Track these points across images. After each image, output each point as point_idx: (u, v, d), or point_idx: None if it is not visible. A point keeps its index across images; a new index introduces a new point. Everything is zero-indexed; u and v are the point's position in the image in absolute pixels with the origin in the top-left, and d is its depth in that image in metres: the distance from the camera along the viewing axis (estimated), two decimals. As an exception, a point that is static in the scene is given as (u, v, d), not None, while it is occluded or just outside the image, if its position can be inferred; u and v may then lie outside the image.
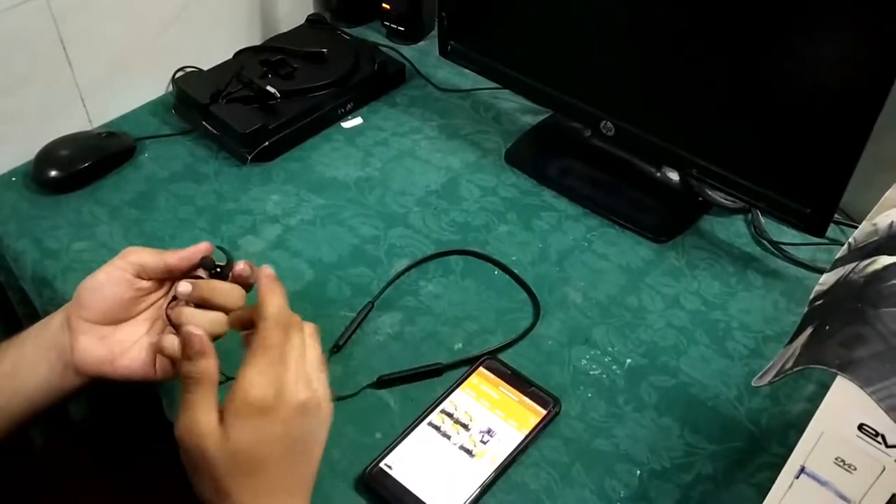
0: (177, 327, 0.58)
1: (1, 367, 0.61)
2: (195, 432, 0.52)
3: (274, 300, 0.57)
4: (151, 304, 0.64)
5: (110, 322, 0.62)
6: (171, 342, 0.57)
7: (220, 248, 0.65)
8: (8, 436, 0.62)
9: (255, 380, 0.53)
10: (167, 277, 0.64)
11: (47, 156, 0.91)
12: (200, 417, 0.52)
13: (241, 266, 0.63)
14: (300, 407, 0.54)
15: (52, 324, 0.63)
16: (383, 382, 0.71)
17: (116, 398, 0.68)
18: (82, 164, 0.91)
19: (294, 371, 0.55)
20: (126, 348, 0.62)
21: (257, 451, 0.52)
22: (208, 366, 0.54)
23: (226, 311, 0.60)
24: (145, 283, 0.63)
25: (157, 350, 0.60)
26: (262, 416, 0.52)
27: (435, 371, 0.72)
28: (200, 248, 0.63)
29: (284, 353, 0.55)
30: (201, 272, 0.63)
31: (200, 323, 0.57)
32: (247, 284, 0.63)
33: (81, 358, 0.61)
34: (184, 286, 0.59)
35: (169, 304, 0.63)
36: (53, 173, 0.90)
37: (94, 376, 0.62)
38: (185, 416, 0.53)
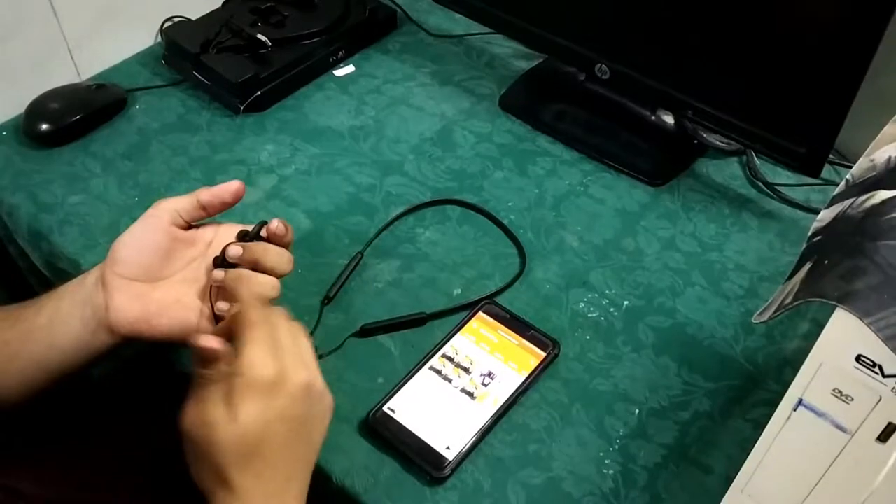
0: (229, 291, 0.60)
1: (39, 319, 0.61)
2: (206, 422, 0.52)
3: (242, 287, 0.59)
4: (188, 264, 0.64)
5: (148, 278, 0.62)
6: (225, 307, 0.60)
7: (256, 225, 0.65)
8: (44, 390, 0.61)
9: (256, 359, 0.53)
10: (202, 217, 0.64)
11: (37, 109, 0.90)
12: (211, 408, 0.53)
13: (275, 224, 0.64)
14: (304, 387, 0.54)
15: (88, 280, 0.62)
16: (366, 332, 0.72)
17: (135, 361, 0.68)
18: (73, 117, 0.90)
19: (291, 353, 0.55)
20: (163, 307, 0.61)
21: (265, 431, 0.52)
22: (227, 364, 0.55)
23: (275, 275, 0.62)
24: (181, 232, 0.63)
25: (215, 312, 0.62)
26: (269, 393, 0.53)
27: (418, 321, 0.72)
28: (232, 185, 0.64)
29: (275, 333, 0.56)
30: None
31: (257, 286, 0.60)
32: (283, 243, 0.64)
33: (116, 316, 0.60)
34: (234, 249, 0.62)
35: (214, 266, 0.63)
36: (45, 127, 0.89)
37: (129, 335, 0.61)
38: (197, 408, 0.53)
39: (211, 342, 0.55)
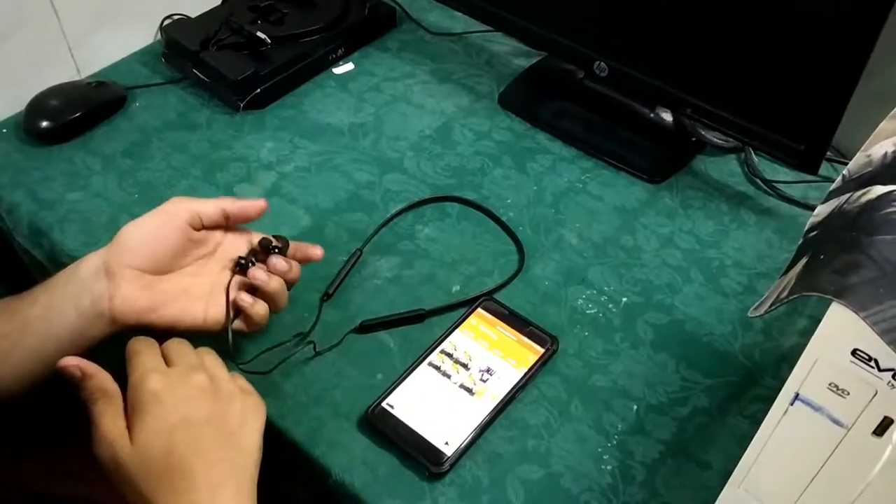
0: (253, 290, 0.65)
1: (34, 310, 0.61)
2: (106, 440, 0.53)
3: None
4: (196, 260, 0.65)
5: (156, 271, 0.62)
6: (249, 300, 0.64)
7: (274, 237, 0.68)
8: (43, 380, 0.61)
9: (141, 377, 0.55)
10: (222, 225, 0.67)
11: (38, 106, 0.91)
12: (108, 424, 0.54)
13: (292, 249, 0.68)
14: (200, 388, 0.56)
15: (82, 270, 0.62)
16: (365, 328, 0.72)
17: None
18: (73, 115, 0.90)
19: (181, 365, 0.58)
20: (171, 297, 0.62)
21: (167, 441, 0.53)
22: (102, 381, 0.56)
23: (271, 305, 0.66)
24: (195, 233, 0.64)
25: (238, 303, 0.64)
26: (158, 402, 0.54)
27: (417, 317, 0.72)
28: (259, 204, 0.67)
29: (158, 352, 0.59)
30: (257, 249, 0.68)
31: (282, 293, 0.65)
32: (289, 278, 0.67)
33: (123, 306, 0.60)
34: (282, 264, 0.65)
35: (235, 268, 0.66)
36: (45, 124, 0.89)
37: (134, 325, 0.61)
38: (95, 430, 0.54)
39: (69, 361, 0.56)
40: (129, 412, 0.55)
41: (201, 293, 0.64)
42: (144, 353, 0.58)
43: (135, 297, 0.61)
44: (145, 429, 0.53)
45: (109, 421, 0.54)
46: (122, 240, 0.62)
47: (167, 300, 0.62)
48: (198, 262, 0.66)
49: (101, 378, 0.56)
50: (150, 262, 0.62)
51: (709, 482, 0.62)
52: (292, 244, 0.69)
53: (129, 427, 0.54)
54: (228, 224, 0.67)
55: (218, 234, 0.67)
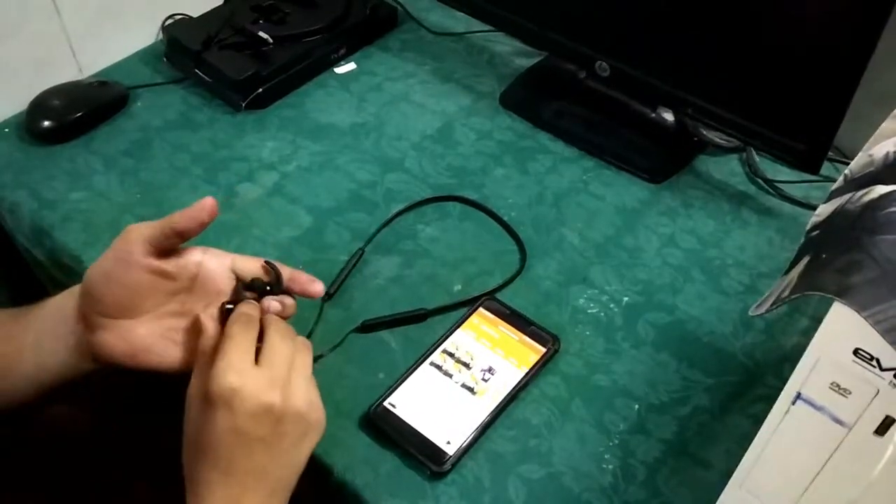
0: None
1: (27, 338, 0.59)
2: (189, 393, 0.54)
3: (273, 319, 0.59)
4: (172, 297, 0.60)
5: (128, 314, 0.58)
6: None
7: (267, 262, 0.62)
8: (38, 404, 0.61)
9: (223, 371, 0.53)
10: (177, 244, 0.58)
11: (40, 106, 0.91)
12: (194, 381, 0.54)
13: (287, 276, 0.62)
14: (269, 411, 0.53)
15: (67, 307, 0.59)
16: (367, 327, 0.72)
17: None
18: (75, 114, 0.90)
19: (266, 372, 0.54)
20: (149, 343, 0.58)
21: (215, 440, 0.52)
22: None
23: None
24: (158, 263, 0.57)
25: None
26: (226, 405, 0.52)
27: (419, 316, 0.73)
28: (206, 203, 0.57)
29: (253, 341, 0.56)
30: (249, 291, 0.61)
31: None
32: (299, 293, 0.63)
33: (100, 353, 0.58)
34: (275, 306, 0.60)
35: (223, 307, 0.59)
36: (47, 123, 0.89)
37: (114, 366, 0.59)
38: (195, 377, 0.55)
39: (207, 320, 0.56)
40: (201, 387, 0.53)
41: (178, 337, 0.59)
42: (239, 340, 0.55)
43: (111, 345, 0.57)
44: (207, 419, 0.52)
45: (195, 381, 0.55)
46: (87, 287, 0.57)
47: (145, 346, 0.58)
48: (176, 297, 0.60)
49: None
50: (117, 307, 0.57)
51: (710, 482, 0.62)
52: (286, 271, 0.62)
53: (194, 400, 0.54)
54: (187, 237, 0.58)
55: (191, 265, 0.60)
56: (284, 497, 0.55)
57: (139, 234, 0.57)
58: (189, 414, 0.54)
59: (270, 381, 0.54)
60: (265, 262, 0.62)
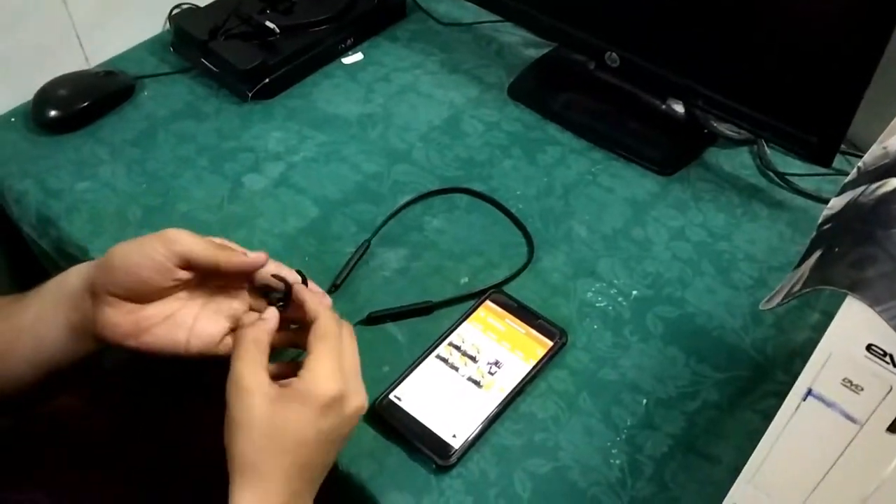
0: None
1: (25, 319, 0.59)
2: (244, 385, 0.54)
3: (320, 300, 0.61)
4: (184, 287, 0.61)
5: (138, 301, 0.58)
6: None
7: (274, 276, 0.62)
8: (36, 388, 0.61)
9: (326, 378, 0.55)
10: (213, 273, 0.60)
11: (46, 95, 0.91)
12: (250, 371, 0.55)
13: (297, 290, 0.62)
14: (357, 410, 0.56)
15: (70, 284, 0.59)
16: (372, 319, 0.72)
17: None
18: (82, 104, 0.90)
19: (353, 376, 0.57)
20: (154, 323, 0.59)
21: (278, 434, 0.53)
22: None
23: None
24: (184, 275, 0.59)
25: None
26: (323, 413, 0.54)
27: (425, 309, 0.72)
28: (257, 261, 0.60)
29: (343, 352, 0.57)
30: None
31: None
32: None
33: (104, 330, 0.58)
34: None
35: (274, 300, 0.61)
36: (53, 113, 0.89)
37: (116, 346, 0.59)
38: (237, 365, 0.55)
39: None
40: (290, 386, 0.55)
41: (185, 321, 0.60)
42: (332, 342, 0.57)
43: (117, 321, 0.58)
44: (289, 419, 0.53)
45: (259, 372, 0.55)
46: (108, 265, 0.58)
47: (149, 326, 0.59)
48: (186, 287, 0.61)
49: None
50: (132, 294, 0.58)
51: (718, 477, 0.62)
52: (296, 288, 0.62)
53: (279, 393, 0.54)
54: (220, 275, 0.60)
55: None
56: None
57: (181, 247, 0.57)
58: (250, 400, 0.53)
59: (342, 396, 0.56)
60: (272, 275, 0.63)
